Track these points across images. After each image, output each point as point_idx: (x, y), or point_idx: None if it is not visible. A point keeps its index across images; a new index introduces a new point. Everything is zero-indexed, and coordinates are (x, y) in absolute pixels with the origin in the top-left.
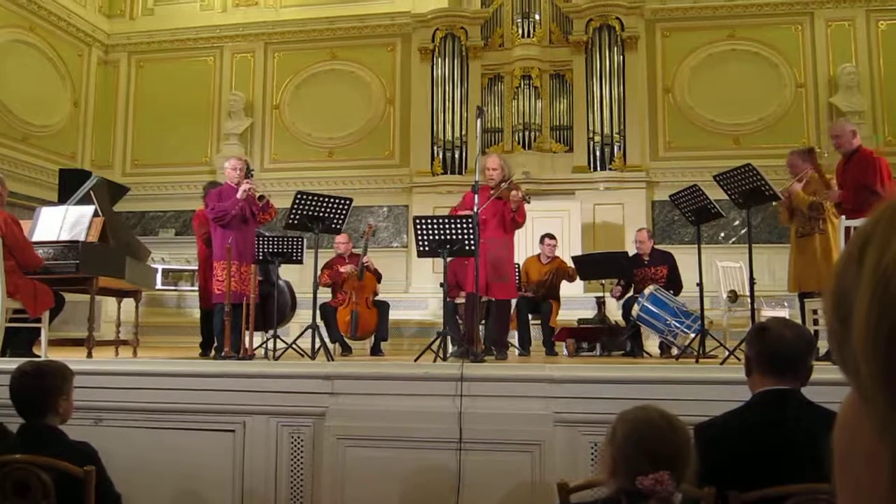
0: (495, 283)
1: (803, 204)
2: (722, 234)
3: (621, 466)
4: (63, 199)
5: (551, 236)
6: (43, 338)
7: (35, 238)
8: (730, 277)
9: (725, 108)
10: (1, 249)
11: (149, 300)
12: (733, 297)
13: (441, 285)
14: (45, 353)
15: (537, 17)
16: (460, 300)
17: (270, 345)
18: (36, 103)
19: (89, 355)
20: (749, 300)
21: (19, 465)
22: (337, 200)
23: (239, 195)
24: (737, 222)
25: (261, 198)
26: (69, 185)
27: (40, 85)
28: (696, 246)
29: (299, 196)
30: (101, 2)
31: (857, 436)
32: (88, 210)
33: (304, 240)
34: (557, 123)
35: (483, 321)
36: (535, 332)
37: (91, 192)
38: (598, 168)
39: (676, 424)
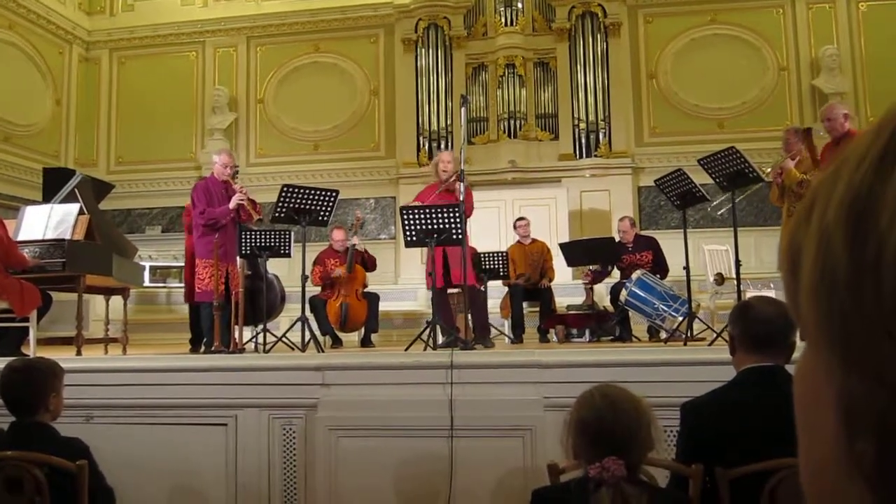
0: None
1: (794, 181)
2: (705, 217)
3: (577, 451)
4: (47, 198)
5: (521, 218)
6: (31, 337)
7: (20, 237)
8: (716, 260)
9: (709, 93)
10: None
11: (137, 297)
12: (720, 279)
13: (429, 275)
14: (33, 352)
15: (520, 5)
16: (451, 290)
17: (260, 339)
18: (17, 102)
19: (79, 353)
20: (735, 283)
21: (11, 461)
22: (323, 193)
23: (231, 205)
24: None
25: (259, 221)
26: (53, 185)
27: (21, 84)
28: (683, 230)
29: (285, 189)
30: None
31: (811, 387)
32: (73, 208)
33: (292, 233)
34: (542, 111)
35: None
36: (533, 321)
37: (76, 190)
38: (584, 155)
39: (622, 407)
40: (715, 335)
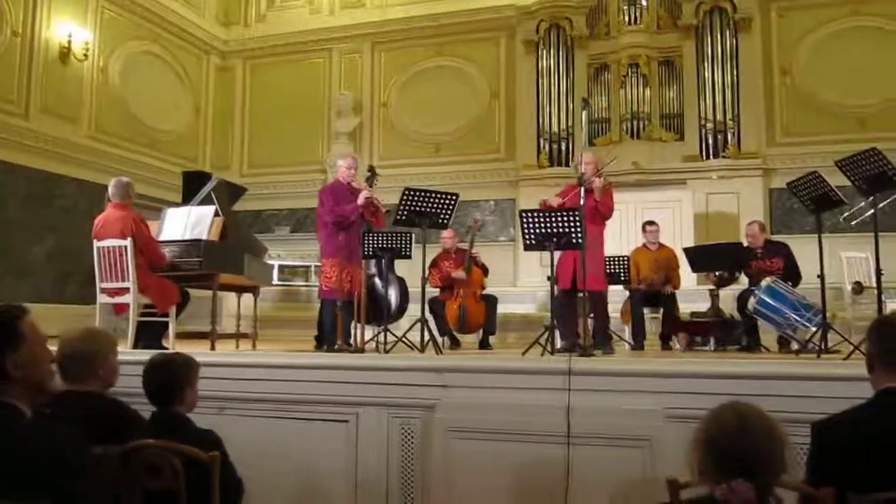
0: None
1: None
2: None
3: (703, 469)
4: (186, 199)
5: (651, 222)
6: (171, 331)
7: (162, 237)
8: (854, 268)
9: (848, 89)
10: (133, 249)
11: (266, 295)
12: (858, 288)
13: (548, 279)
14: (172, 345)
15: (644, 3)
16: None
17: (381, 338)
18: (161, 110)
19: (212, 348)
20: (876, 292)
21: (153, 450)
22: (443, 196)
23: (360, 201)
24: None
25: (387, 212)
26: (191, 187)
27: (164, 93)
28: (817, 235)
29: (407, 192)
30: (217, 11)
31: None
32: (209, 210)
33: (413, 235)
34: (667, 111)
35: (591, 315)
36: (655, 327)
37: (212, 193)
38: (711, 156)
39: (754, 426)
40: (852, 348)
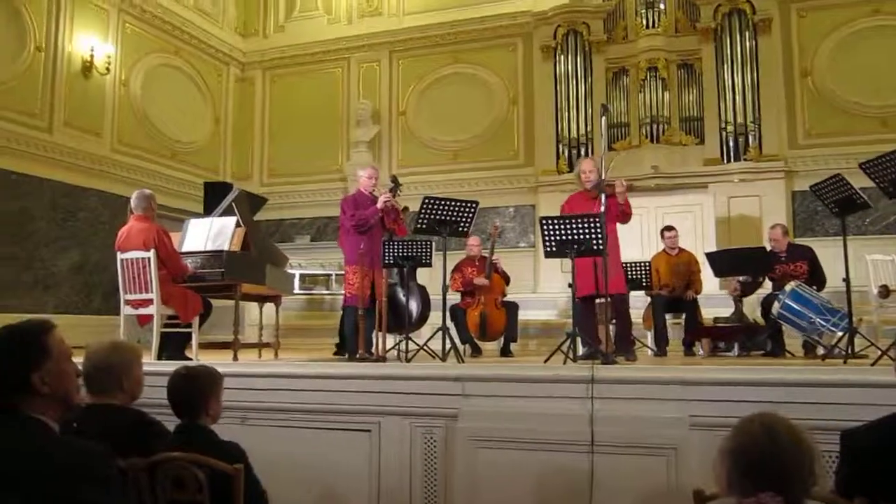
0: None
1: None
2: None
3: (730, 482)
4: (208, 210)
5: (670, 228)
6: (194, 342)
7: (184, 248)
8: (881, 271)
9: (871, 89)
10: (155, 261)
11: (287, 304)
12: (885, 292)
13: (569, 285)
14: (195, 355)
15: (662, 6)
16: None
17: (403, 346)
18: (182, 122)
19: (235, 358)
20: None
21: (178, 462)
22: (463, 204)
23: (379, 205)
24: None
25: (405, 209)
26: (213, 198)
27: (185, 104)
28: (842, 238)
29: (427, 201)
30: (236, 22)
31: None
32: (231, 221)
33: (433, 243)
34: (687, 115)
35: (612, 321)
36: (677, 332)
37: (233, 204)
38: (732, 159)
39: (783, 439)
40: (879, 353)
